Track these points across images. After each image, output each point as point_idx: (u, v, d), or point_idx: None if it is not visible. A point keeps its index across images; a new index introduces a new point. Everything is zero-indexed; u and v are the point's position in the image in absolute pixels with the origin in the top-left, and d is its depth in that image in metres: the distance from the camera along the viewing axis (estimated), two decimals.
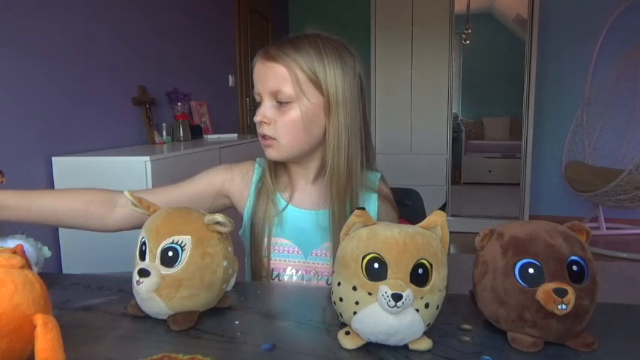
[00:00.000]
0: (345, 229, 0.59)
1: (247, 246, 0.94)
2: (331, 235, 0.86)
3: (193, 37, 2.98)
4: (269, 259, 0.90)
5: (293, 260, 0.89)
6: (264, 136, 0.86)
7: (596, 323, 0.58)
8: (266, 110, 0.84)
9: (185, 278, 0.61)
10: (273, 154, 0.86)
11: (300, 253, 0.89)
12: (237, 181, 0.94)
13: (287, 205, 0.90)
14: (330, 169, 0.85)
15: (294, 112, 0.83)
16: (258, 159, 0.97)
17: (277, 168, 0.92)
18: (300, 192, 0.91)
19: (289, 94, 0.82)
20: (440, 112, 3.93)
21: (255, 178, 0.93)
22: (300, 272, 0.89)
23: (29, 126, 1.76)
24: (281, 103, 0.83)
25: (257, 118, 0.85)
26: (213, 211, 0.92)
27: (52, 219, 0.84)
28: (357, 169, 0.86)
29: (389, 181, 1.00)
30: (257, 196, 0.91)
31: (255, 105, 0.90)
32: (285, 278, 0.89)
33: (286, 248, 0.89)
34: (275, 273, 0.90)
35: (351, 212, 0.58)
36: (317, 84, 0.82)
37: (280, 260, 0.90)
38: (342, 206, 0.85)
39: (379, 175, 0.96)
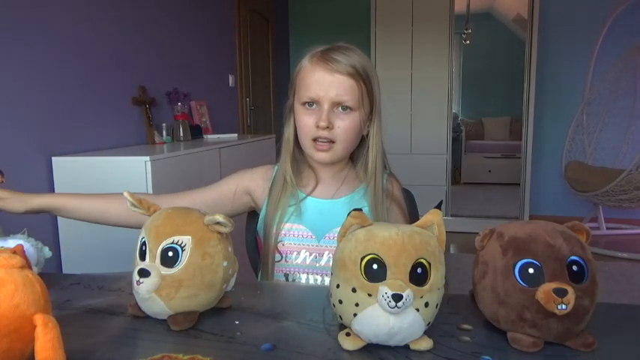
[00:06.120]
0: (342, 230, 0.59)
1: (262, 237, 1.01)
2: (372, 213, 0.96)
3: (193, 37, 2.98)
4: (276, 243, 0.97)
5: (306, 244, 0.96)
6: (318, 139, 0.92)
7: (596, 323, 0.58)
8: (329, 115, 0.90)
9: (185, 278, 0.61)
10: (327, 157, 0.93)
11: (313, 237, 0.97)
12: (257, 179, 1.02)
13: (306, 197, 0.98)
14: (372, 168, 0.96)
15: (355, 120, 0.92)
16: (277, 163, 1.03)
17: (300, 164, 1.00)
18: (323, 184, 1.00)
19: (353, 104, 0.91)
20: (440, 112, 3.92)
21: (273, 175, 1.02)
22: (313, 254, 0.96)
23: (29, 126, 1.76)
24: (343, 110, 0.91)
25: (322, 124, 0.89)
26: (235, 212, 1.02)
27: (100, 219, 0.96)
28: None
29: None
30: (273, 190, 0.99)
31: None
32: (299, 260, 0.96)
33: (301, 233, 0.97)
34: (289, 256, 0.96)
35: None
36: (371, 95, 0.93)
37: (293, 244, 0.97)
38: (379, 195, 0.97)
39: (386, 174, 1.03)
